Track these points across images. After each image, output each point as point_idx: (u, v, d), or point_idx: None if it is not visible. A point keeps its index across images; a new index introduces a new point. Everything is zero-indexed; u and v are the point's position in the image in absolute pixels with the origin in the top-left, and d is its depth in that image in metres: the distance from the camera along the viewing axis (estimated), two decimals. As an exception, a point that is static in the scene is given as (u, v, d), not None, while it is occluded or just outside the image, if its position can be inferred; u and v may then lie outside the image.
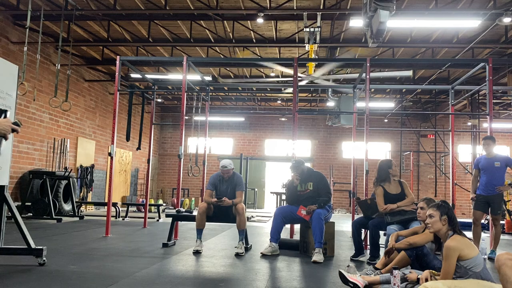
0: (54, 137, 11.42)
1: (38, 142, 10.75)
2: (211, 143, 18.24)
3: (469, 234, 4.48)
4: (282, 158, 17.88)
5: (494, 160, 5.72)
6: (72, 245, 5.48)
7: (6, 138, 2.61)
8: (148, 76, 10.14)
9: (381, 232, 4.98)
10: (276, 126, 18.90)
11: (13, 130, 2.62)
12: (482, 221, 5.88)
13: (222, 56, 11.86)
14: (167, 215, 6.33)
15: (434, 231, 3.19)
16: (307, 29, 8.63)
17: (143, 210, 12.61)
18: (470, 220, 5.98)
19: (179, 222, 6.98)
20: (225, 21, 9.59)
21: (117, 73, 7.06)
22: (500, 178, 5.69)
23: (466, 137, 17.27)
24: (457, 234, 3.06)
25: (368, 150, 6.45)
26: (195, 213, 5.62)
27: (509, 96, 13.64)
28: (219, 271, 4.16)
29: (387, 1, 5.35)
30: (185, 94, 6.89)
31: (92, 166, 12.95)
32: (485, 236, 5.95)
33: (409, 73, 9.89)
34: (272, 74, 13.06)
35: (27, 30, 6.97)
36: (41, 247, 4.05)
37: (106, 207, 7.59)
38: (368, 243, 5.16)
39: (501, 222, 10.10)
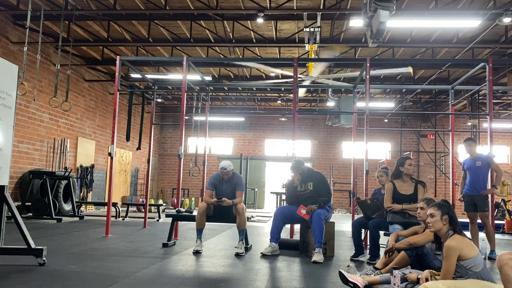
0: (54, 137, 11.42)
1: (38, 142, 10.75)
2: (211, 143, 18.22)
3: (469, 234, 4.48)
4: (282, 158, 17.87)
5: (476, 160, 5.95)
6: (72, 245, 5.48)
7: None
8: (148, 76, 10.14)
9: (381, 232, 4.98)
10: (276, 126, 18.89)
11: None
12: (479, 220, 5.92)
13: (222, 56, 11.85)
14: (167, 215, 6.33)
15: (434, 231, 3.19)
16: (307, 29, 8.62)
17: (143, 210, 12.61)
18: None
19: (179, 222, 6.99)
20: (225, 21, 9.59)
21: (117, 73, 7.06)
22: (483, 178, 5.86)
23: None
24: (457, 234, 3.06)
25: (368, 150, 6.45)
26: (195, 213, 5.62)
27: (509, 96, 13.65)
28: (219, 271, 4.16)
29: (387, 1, 5.35)
30: (185, 94, 6.89)
31: (92, 166, 12.95)
32: (484, 236, 5.96)
33: (408, 69, 9.81)
34: (272, 75, 13.06)
35: (27, 30, 6.97)
36: (41, 247, 4.05)
37: (106, 207, 7.59)
38: (368, 243, 5.16)
39: (501, 222, 10.10)
